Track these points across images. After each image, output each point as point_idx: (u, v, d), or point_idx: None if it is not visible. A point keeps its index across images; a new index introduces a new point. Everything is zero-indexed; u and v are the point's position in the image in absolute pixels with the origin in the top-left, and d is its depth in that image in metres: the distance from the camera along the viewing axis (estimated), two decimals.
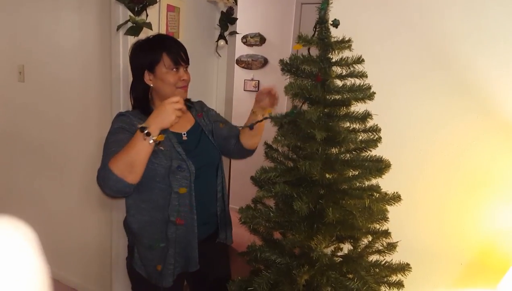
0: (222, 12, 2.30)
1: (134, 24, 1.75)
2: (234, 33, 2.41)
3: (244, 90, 3.35)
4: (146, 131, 1.02)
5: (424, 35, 1.23)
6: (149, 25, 1.78)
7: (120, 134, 1.12)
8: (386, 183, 0.97)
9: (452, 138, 1.23)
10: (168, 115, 1.05)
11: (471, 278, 1.22)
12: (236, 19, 2.38)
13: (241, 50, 3.27)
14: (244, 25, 2.88)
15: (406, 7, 1.24)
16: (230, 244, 1.39)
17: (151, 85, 1.22)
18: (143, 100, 1.25)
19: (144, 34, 1.82)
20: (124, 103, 1.85)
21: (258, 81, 3.31)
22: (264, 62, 3.27)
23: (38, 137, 2.34)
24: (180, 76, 1.22)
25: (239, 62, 3.30)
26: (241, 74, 3.29)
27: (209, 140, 1.32)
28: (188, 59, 1.26)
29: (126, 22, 1.75)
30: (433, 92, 1.24)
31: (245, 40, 3.29)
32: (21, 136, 2.43)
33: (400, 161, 0.96)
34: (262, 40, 3.25)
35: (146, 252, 1.23)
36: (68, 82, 2.16)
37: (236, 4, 2.34)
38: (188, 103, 1.36)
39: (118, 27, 1.76)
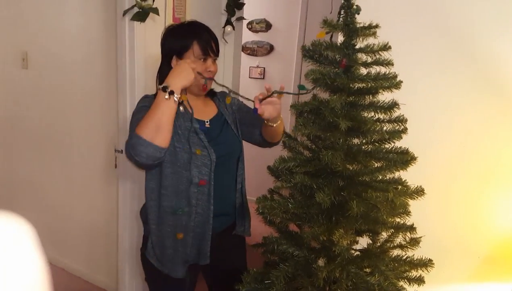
0: None
1: (140, 10, 1.70)
2: (241, 18, 2.34)
3: (249, 77, 3.30)
4: (169, 90, 1.02)
5: (446, 23, 1.18)
6: (155, 11, 1.73)
7: (143, 112, 1.10)
8: (402, 175, 0.93)
9: (473, 130, 1.19)
10: (188, 73, 1.07)
11: (489, 272, 1.20)
12: (244, 4, 2.31)
13: (247, 36, 3.19)
14: (250, 11, 2.80)
15: None
16: (247, 236, 1.37)
17: None
18: None
19: (151, 19, 1.77)
20: (130, 90, 1.80)
21: (264, 68, 3.26)
22: (270, 49, 3.21)
23: (42, 124, 2.30)
24: (207, 67, 1.20)
25: (244, 48, 3.23)
26: (246, 61, 3.23)
27: (232, 130, 1.29)
28: (218, 51, 1.24)
29: (132, 7, 1.70)
30: (455, 83, 1.20)
31: (251, 26, 3.22)
32: (24, 124, 2.39)
33: (418, 152, 0.92)
34: (268, 26, 3.18)
35: (161, 239, 1.23)
36: (72, 69, 2.11)
37: None
38: (211, 94, 1.34)
39: (124, 12, 1.71)
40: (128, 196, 1.92)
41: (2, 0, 2.30)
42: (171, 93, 1.02)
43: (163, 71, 1.22)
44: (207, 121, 1.24)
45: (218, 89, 1.39)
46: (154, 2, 1.73)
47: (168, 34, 1.23)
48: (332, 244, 0.86)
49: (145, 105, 1.16)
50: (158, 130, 1.02)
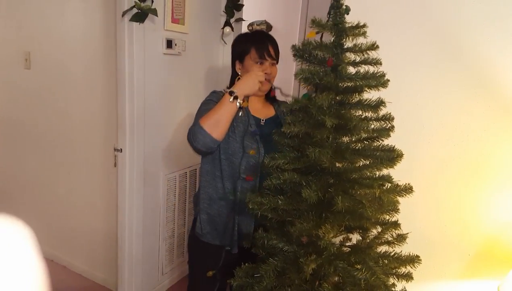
0: None
1: (139, 10, 1.73)
2: (240, 20, 2.37)
3: None
4: (234, 95, 1.20)
5: (435, 22, 1.20)
6: (154, 12, 1.75)
7: (210, 104, 1.29)
8: (393, 173, 0.95)
9: (462, 128, 1.21)
10: (254, 84, 1.24)
11: (480, 269, 1.21)
12: (242, 5, 2.34)
13: None
14: (250, 12, 2.83)
15: None
16: None
17: (239, 73, 1.37)
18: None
19: (150, 20, 1.80)
20: (129, 89, 1.83)
21: None
22: None
23: (44, 123, 2.34)
24: (264, 70, 1.32)
25: None
26: None
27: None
28: (277, 56, 1.36)
29: (131, 8, 1.72)
30: (444, 81, 1.21)
31: (251, 27, 3.24)
32: (26, 123, 2.43)
33: (408, 150, 0.94)
34: (268, 27, 3.20)
35: (212, 217, 1.36)
36: (73, 69, 2.14)
37: None
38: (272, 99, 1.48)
39: (123, 13, 1.74)
40: (127, 194, 1.95)
41: (5, 2, 2.35)
42: (235, 98, 1.20)
43: (232, 75, 1.42)
44: (262, 120, 1.38)
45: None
46: (153, 3, 1.76)
47: (234, 42, 1.43)
48: (319, 239, 0.87)
49: (212, 99, 1.33)
50: (217, 125, 1.19)
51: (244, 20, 2.42)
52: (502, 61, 1.13)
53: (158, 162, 2.06)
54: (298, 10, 3.06)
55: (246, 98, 1.26)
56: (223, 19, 2.30)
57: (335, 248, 0.88)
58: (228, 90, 1.22)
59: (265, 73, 1.31)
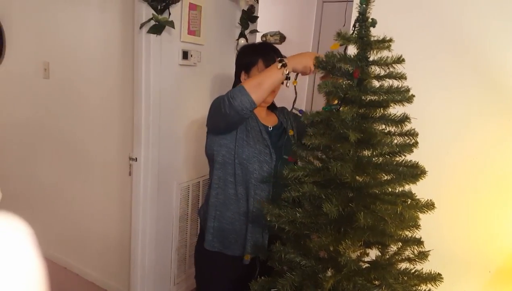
0: (243, 10, 2.29)
1: (156, 23, 1.76)
2: (254, 31, 2.39)
3: None
4: (283, 63, 1.18)
5: (456, 34, 1.19)
6: (171, 24, 1.79)
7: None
8: (414, 187, 0.93)
9: (482, 141, 1.18)
10: (306, 60, 1.19)
11: (500, 286, 1.17)
12: (257, 17, 2.36)
13: None
14: (264, 23, 2.86)
15: (438, 5, 1.20)
16: None
17: None
18: None
19: (167, 32, 1.83)
20: (145, 100, 1.86)
21: None
22: None
23: (61, 132, 2.38)
24: None
25: None
26: None
27: (290, 139, 1.41)
28: None
29: (149, 20, 1.76)
30: (464, 93, 1.19)
31: (265, 38, 3.27)
32: (45, 131, 2.47)
33: (427, 164, 0.92)
34: (282, 38, 3.22)
35: (223, 224, 1.32)
36: (91, 80, 2.18)
37: (258, 2, 2.32)
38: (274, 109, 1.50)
39: (141, 26, 1.77)
40: (141, 203, 1.95)
41: (26, 14, 2.42)
42: (284, 66, 1.17)
43: (235, 85, 1.40)
44: (270, 127, 1.40)
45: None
46: (170, 15, 1.79)
47: (240, 52, 1.44)
48: (339, 254, 0.86)
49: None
50: (258, 87, 1.16)
51: (258, 32, 2.44)
52: None
53: (172, 171, 2.07)
54: (311, 21, 3.08)
55: (296, 76, 1.23)
56: (237, 31, 2.32)
57: (355, 265, 0.86)
58: (279, 59, 1.20)
59: None
